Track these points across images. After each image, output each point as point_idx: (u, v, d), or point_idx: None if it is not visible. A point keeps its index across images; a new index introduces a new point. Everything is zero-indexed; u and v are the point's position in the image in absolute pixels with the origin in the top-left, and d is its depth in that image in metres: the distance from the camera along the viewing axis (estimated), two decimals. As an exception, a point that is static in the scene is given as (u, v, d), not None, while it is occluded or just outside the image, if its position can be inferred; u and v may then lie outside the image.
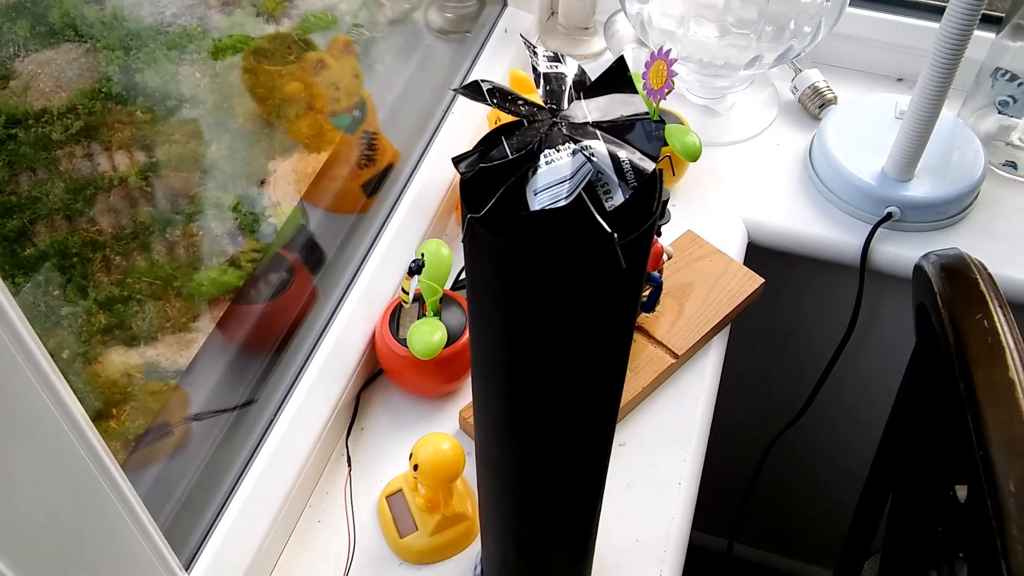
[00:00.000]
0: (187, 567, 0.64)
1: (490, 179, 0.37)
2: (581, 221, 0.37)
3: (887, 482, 0.77)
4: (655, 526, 0.72)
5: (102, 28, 1.24)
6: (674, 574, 0.70)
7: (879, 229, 0.93)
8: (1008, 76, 1.00)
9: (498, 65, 1.01)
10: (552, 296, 0.39)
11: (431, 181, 0.90)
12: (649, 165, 0.36)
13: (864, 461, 1.01)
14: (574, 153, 0.35)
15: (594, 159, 0.35)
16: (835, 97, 1.04)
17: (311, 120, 0.87)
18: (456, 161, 0.37)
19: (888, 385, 1.02)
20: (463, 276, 0.87)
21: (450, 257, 0.76)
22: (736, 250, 0.93)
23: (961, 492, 0.55)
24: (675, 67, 0.88)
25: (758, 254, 0.96)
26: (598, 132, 0.37)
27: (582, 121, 0.37)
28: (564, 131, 0.36)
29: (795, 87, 1.06)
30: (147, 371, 0.87)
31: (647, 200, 0.39)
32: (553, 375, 0.43)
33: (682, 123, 0.96)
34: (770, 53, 0.92)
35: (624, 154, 0.36)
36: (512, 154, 0.36)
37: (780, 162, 1.01)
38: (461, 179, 0.38)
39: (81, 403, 0.45)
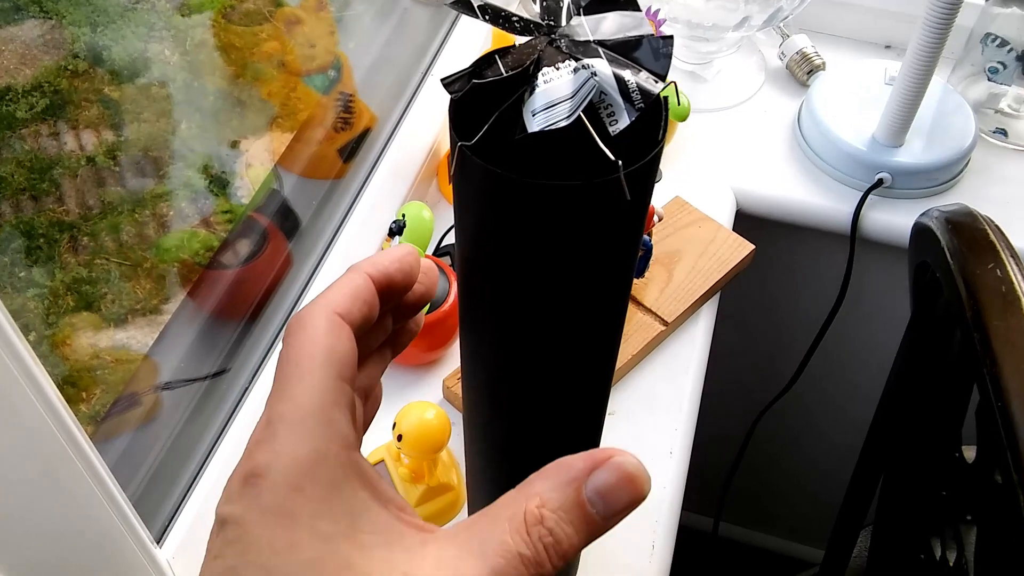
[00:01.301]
0: (158, 541, 0.61)
1: (482, 103, 0.34)
2: (581, 148, 0.34)
3: (884, 450, 0.75)
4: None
5: (68, 4, 1.21)
6: (666, 545, 0.68)
7: (869, 196, 0.91)
8: (998, 42, 0.98)
9: (481, 25, 0.98)
10: (548, 231, 0.36)
11: (410, 147, 0.87)
12: (657, 86, 0.33)
13: (854, 433, 1.00)
14: (575, 71, 0.33)
15: (596, 78, 0.33)
16: (823, 63, 1.02)
17: (284, 80, 0.83)
18: (446, 82, 0.34)
19: (879, 355, 1.00)
20: (444, 243, 0.84)
21: (432, 220, 0.73)
22: (724, 218, 0.90)
23: (969, 453, 0.53)
24: (663, 29, 0.85)
25: (746, 222, 0.94)
26: (600, 50, 0.34)
27: (583, 39, 0.34)
28: (564, 48, 0.34)
29: (783, 53, 1.04)
30: (116, 354, 0.83)
31: (652, 127, 0.36)
32: (548, 319, 0.40)
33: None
34: (759, 14, 0.90)
35: (629, 74, 0.33)
36: (507, 72, 0.33)
37: (768, 129, 0.99)
38: (451, 102, 0.35)
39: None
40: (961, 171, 0.94)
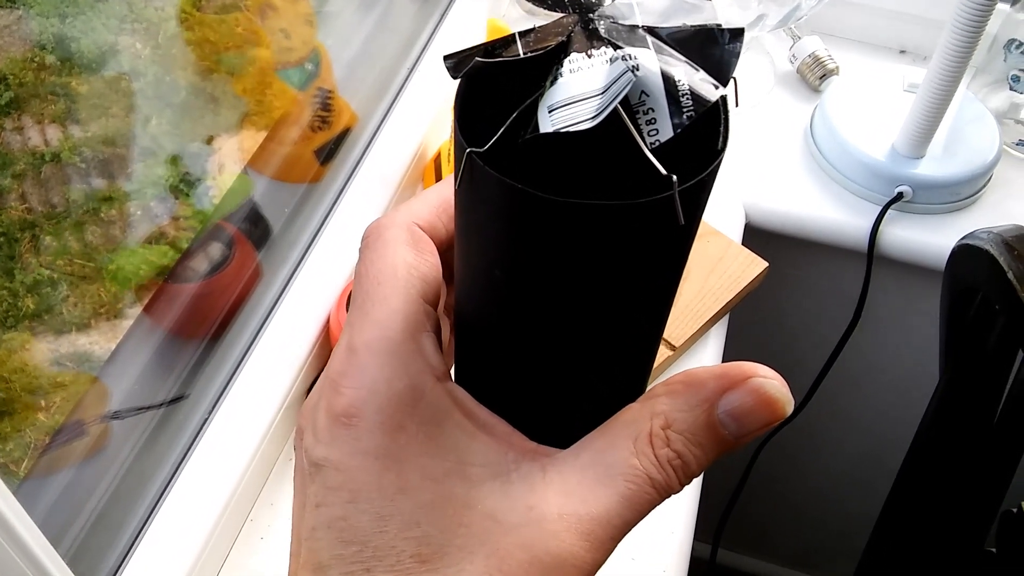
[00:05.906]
0: (99, 598, 0.53)
1: (497, 98, 0.27)
2: (618, 157, 0.27)
3: (916, 496, 0.69)
4: (653, 542, 0.63)
5: (36, -7, 1.17)
6: (676, 599, 0.61)
7: (888, 210, 0.84)
8: (1022, 49, 0.93)
9: (473, 17, 0.91)
10: (577, 259, 0.29)
11: (394, 149, 0.80)
12: (713, 92, 0.26)
13: (865, 460, 0.94)
14: (611, 61, 0.25)
15: (638, 73, 0.25)
16: (837, 67, 0.96)
17: (257, 73, 0.75)
18: (448, 60, 0.26)
19: (896, 379, 0.94)
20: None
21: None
22: (733, 232, 0.84)
23: (1030, 510, 0.47)
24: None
25: (756, 237, 0.87)
26: (649, 39, 0.27)
27: (629, 23, 0.27)
28: (602, 32, 0.26)
29: (793, 56, 0.97)
30: (78, 361, 0.77)
31: (706, 133, 0.29)
32: (566, 363, 0.33)
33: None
34: (775, 13, 0.83)
35: (682, 72, 0.26)
36: (525, 54, 0.26)
37: (779, 136, 0.93)
38: (457, 96, 0.28)
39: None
40: (984, 185, 0.88)
